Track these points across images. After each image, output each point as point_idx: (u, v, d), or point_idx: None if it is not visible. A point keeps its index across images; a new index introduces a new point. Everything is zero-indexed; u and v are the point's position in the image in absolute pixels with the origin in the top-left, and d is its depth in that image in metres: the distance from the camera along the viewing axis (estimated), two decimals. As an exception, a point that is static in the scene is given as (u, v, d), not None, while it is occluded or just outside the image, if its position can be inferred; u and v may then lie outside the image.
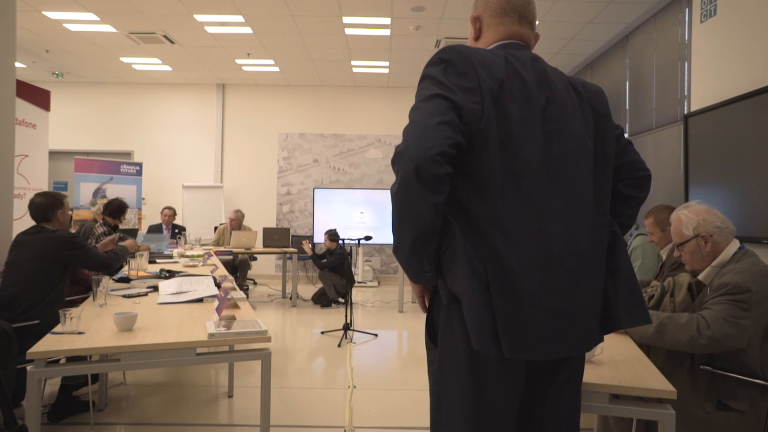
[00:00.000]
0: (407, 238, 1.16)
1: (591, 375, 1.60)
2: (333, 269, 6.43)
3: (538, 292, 1.16)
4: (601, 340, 1.29)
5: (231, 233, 6.85)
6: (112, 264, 3.30)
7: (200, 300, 2.76)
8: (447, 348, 1.24)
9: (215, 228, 7.60)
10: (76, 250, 3.03)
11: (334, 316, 5.91)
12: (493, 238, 1.15)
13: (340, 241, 6.11)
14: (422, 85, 1.21)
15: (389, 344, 4.97)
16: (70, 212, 3.35)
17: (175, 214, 7.02)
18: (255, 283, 8.06)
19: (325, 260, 6.43)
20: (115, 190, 7.75)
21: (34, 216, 3.14)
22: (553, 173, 1.22)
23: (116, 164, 8.11)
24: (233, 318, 2.31)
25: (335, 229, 6.60)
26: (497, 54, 1.26)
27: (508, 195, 1.17)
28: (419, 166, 1.08)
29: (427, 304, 1.33)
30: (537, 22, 1.40)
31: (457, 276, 1.17)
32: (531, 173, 1.19)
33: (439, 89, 1.16)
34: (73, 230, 3.83)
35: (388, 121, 8.69)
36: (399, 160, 1.11)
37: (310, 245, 6.47)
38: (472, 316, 1.14)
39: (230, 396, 3.43)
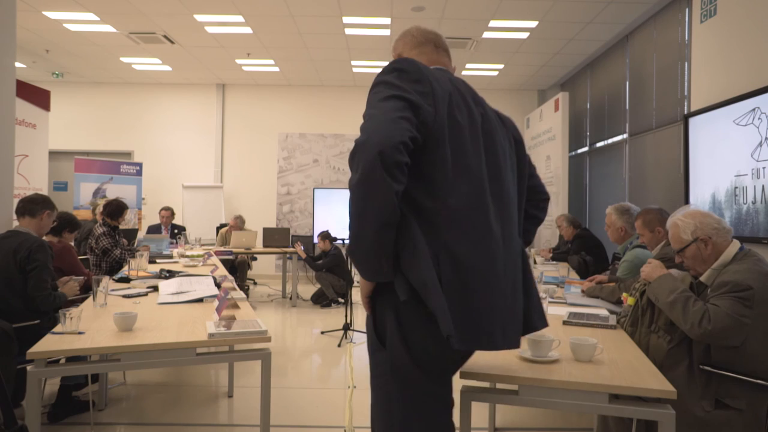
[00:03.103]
0: (370, 229, 1.17)
1: (591, 375, 1.60)
2: (329, 270, 6.42)
3: (484, 287, 1.25)
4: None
5: (232, 234, 6.85)
6: (43, 301, 2.91)
7: (200, 300, 2.76)
8: (400, 347, 1.28)
9: (217, 229, 7.61)
10: (36, 261, 2.89)
11: (334, 316, 5.91)
12: (445, 235, 1.23)
13: (339, 241, 6.11)
14: (376, 90, 1.27)
15: (389, 344, 4.96)
16: (53, 223, 3.33)
17: (173, 214, 7.01)
18: (255, 283, 8.06)
19: (320, 261, 6.43)
20: (115, 190, 7.75)
21: (20, 208, 3.10)
22: (491, 180, 1.33)
23: (116, 164, 8.11)
24: (233, 318, 2.31)
25: (328, 230, 6.61)
26: (442, 72, 1.37)
27: (457, 195, 1.25)
28: (383, 151, 1.11)
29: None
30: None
31: (420, 268, 1.20)
32: (475, 178, 1.29)
33: (394, 91, 1.22)
34: (72, 236, 3.81)
35: (388, 121, 8.66)
36: (361, 150, 1.14)
37: (302, 247, 6.47)
38: (439, 303, 1.19)
39: (230, 396, 3.43)
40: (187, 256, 4.95)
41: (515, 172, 1.46)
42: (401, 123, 1.16)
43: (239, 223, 7.13)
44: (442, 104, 1.25)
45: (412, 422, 1.31)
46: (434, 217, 1.23)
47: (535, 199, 1.59)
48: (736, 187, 3.85)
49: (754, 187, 3.64)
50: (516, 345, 1.34)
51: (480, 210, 1.28)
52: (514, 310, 1.34)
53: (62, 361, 2.17)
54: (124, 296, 2.89)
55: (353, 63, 7.59)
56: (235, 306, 2.61)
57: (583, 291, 3.10)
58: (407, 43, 1.52)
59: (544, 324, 1.45)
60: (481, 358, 1.75)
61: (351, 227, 1.20)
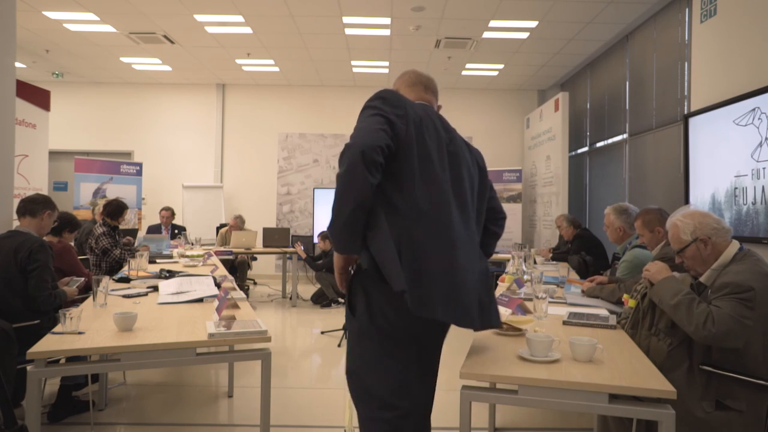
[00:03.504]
0: (347, 208, 1.46)
1: (590, 375, 1.60)
2: (329, 270, 6.42)
3: (438, 271, 1.52)
4: (477, 329, 1.67)
5: (232, 234, 6.84)
6: (44, 301, 2.91)
7: (200, 300, 2.76)
8: (365, 316, 1.60)
9: (217, 229, 7.61)
10: (37, 261, 2.89)
11: (334, 316, 5.91)
12: (409, 223, 1.53)
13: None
14: (364, 113, 1.61)
15: (389, 344, 4.96)
16: (54, 223, 3.33)
17: (173, 214, 7.01)
18: (255, 283, 8.06)
19: (320, 261, 6.42)
20: (115, 190, 7.75)
21: (20, 208, 3.10)
22: (453, 188, 1.65)
23: (116, 164, 8.11)
24: (233, 318, 2.31)
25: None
26: (417, 104, 1.72)
27: (422, 194, 1.56)
28: (365, 151, 1.44)
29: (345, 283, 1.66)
30: (440, 99, 1.93)
31: (380, 243, 1.51)
32: (439, 184, 1.60)
33: (377, 112, 1.57)
34: (72, 236, 3.81)
35: (388, 121, 8.65)
36: (348, 149, 1.46)
37: (302, 247, 6.47)
38: (393, 268, 1.48)
39: (230, 396, 3.43)
40: (187, 256, 4.95)
41: (476, 192, 1.77)
42: (380, 133, 1.50)
43: (239, 223, 7.13)
44: (413, 125, 1.59)
45: (377, 382, 1.61)
46: (401, 210, 1.54)
47: (495, 217, 1.89)
48: (735, 188, 3.84)
49: (754, 187, 3.64)
50: (460, 322, 1.57)
51: (444, 211, 1.59)
52: (469, 293, 1.58)
53: (62, 361, 2.17)
54: (124, 296, 2.89)
55: (353, 63, 7.59)
56: (235, 306, 2.61)
57: (583, 291, 3.10)
58: (404, 82, 1.89)
59: (499, 323, 1.73)
60: (481, 358, 1.75)
61: (333, 207, 1.50)
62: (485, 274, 1.67)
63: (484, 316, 1.62)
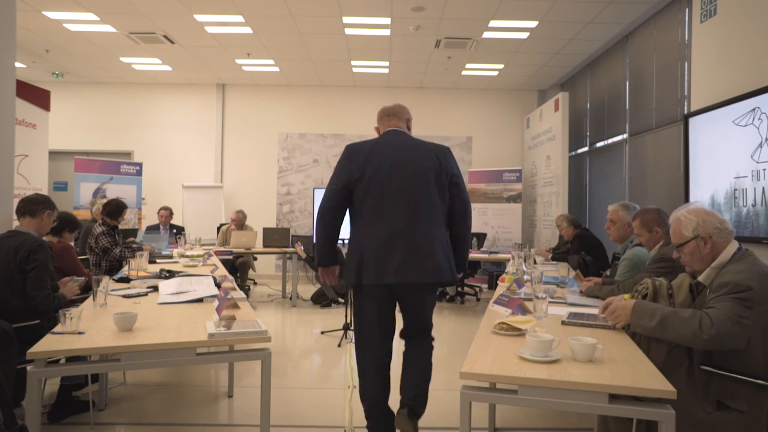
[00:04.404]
0: (320, 239, 2.43)
1: (590, 375, 1.60)
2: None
3: (388, 252, 2.36)
4: (431, 279, 2.41)
5: (232, 234, 6.84)
6: (42, 301, 2.87)
7: (200, 300, 2.76)
8: (356, 302, 2.57)
9: (218, 228, 7.60)
10: (36, 261, 2.88)
11: (334, 316, 5.91)
12: (365, 228, 2.42)
13: (339, 242, 6.09)
14: (335, 168, 2.47)
15: (389, 344, 4.95)
16: (54, 223, 3.32)
17: (171, 214, 7.00)
18: (255, 283, 8.05)
19: None
20: (115, 190, 7.75)
21: (20, 208, 3.09)
22: (401, 193, 2.40)
23: (116, 164, 8.11)
24: (233, 318, 2.31)
25: None
26: (372, 140, 2.56)
27: (366, 208, 2.42)
28: (325, 212, 2.41)
29: (333, 282, 2.59)
30: (411, 117, 2.71)
31: (350, 247, 2.45)
32: (381, 197, 2.40)
33: (339, 169, 2.46)
34: (72, 236, 3.80)
35: (388, 121, 8.64)
36: (319, 206, 2.39)
37: (302, 247, 6.46)
38: (346, 268, 2.47)
39: (230, 396, 3.43)
40: (187, 256, 4.95)
41: (432, 183, 2.44)
42: (335, 194, 2.41)
43: (241, 218, 7.10)
44: (361, 164, 2.41)
45: (363, 338, 2.52)
46: (360, 220, 2.44)
47: (459, 215, 2.56)
48: (735, 189, 3.84)
49: (754, 189, 3.63)
50: (419, 277, 2.38)
51: (383, 215, 2.39)
52: (415, 261, 2.37)
53: (62, 361, 2.17)
54: (124, 296, 2.89)
55: (353, 63, 7.59)
56: (235, 306, 2.61)
57: (581, 291, 3.10)
58: (378, 119, 2.68)
59: (439, 276, 2.44)
60: (481, 358, 1.75)
61: (314, 237, 2.51)
62: (435, 244, 2.41)
63: (394, 272, 2.34)
